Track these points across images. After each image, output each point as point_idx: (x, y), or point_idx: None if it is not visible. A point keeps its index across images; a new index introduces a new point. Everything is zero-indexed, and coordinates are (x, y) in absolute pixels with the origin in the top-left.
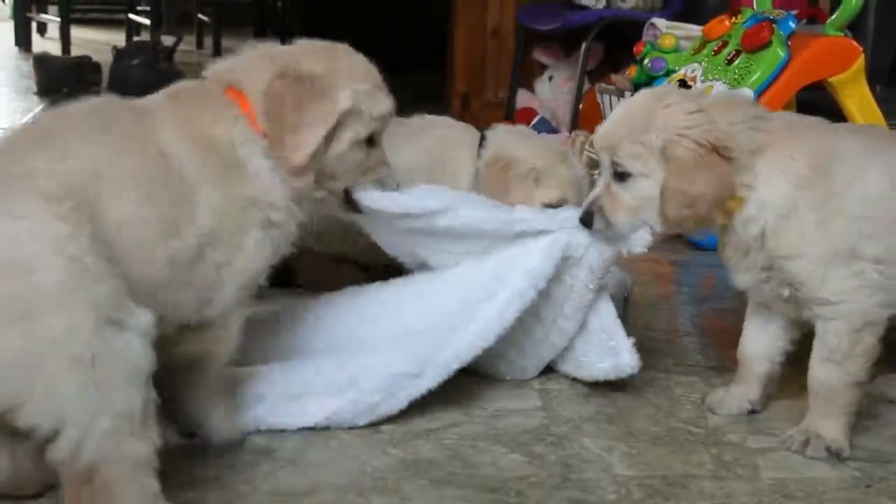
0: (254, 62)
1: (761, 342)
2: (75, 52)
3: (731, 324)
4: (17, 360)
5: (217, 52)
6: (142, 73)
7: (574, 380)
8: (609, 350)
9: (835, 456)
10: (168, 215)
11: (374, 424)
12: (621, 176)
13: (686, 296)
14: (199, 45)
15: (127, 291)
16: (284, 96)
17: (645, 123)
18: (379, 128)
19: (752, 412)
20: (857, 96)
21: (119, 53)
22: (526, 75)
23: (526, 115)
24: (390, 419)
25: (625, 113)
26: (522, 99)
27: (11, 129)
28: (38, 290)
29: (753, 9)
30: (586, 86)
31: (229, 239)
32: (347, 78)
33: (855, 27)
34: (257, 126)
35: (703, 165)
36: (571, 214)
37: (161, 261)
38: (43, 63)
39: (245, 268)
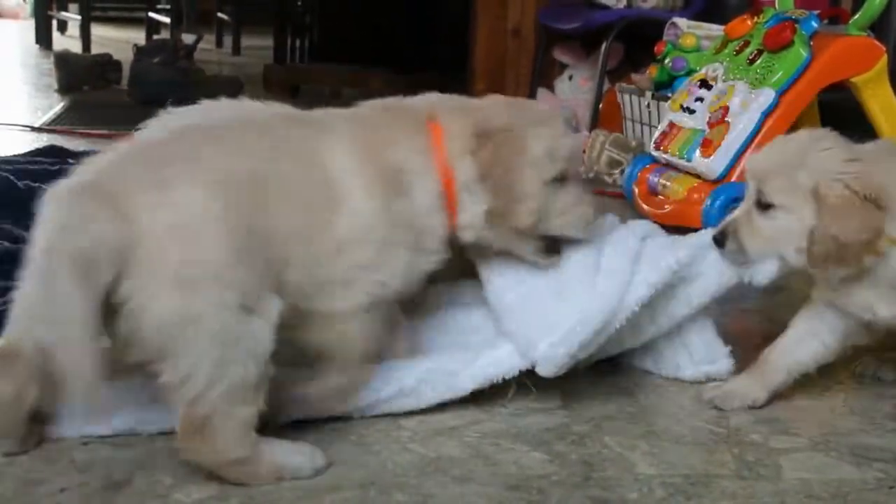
0: (444, 105)
1: (794, 355)
2: (95, 50)
3: (755, 324)
4: (174, 321)
5: (237, 50)
6: (162, 71)
7: (595, 379)
8: (706, 359)
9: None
10: (317, 218)
11: (395, 419)
12: (764, 206)
13: None
14: (219, 43)
15: (266, 279)
16: (494, 163)
17: (799, 160)
18: (566, 168)
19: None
20: (880, 97)
21: (140, 52)
22: (546, 75)
23: None
24: (411, 415)
25: (780, 146)
26: (543, 99)
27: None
28: (200, 262)
29: (776, 8)
30: (606, 85)
31: (378, 250)
32: (530, 125)
33: (877, 27)
34: (442, 165)
35: (856, 212)
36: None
37: (303, 258)
38: (64, 61)
39: (383, 281)
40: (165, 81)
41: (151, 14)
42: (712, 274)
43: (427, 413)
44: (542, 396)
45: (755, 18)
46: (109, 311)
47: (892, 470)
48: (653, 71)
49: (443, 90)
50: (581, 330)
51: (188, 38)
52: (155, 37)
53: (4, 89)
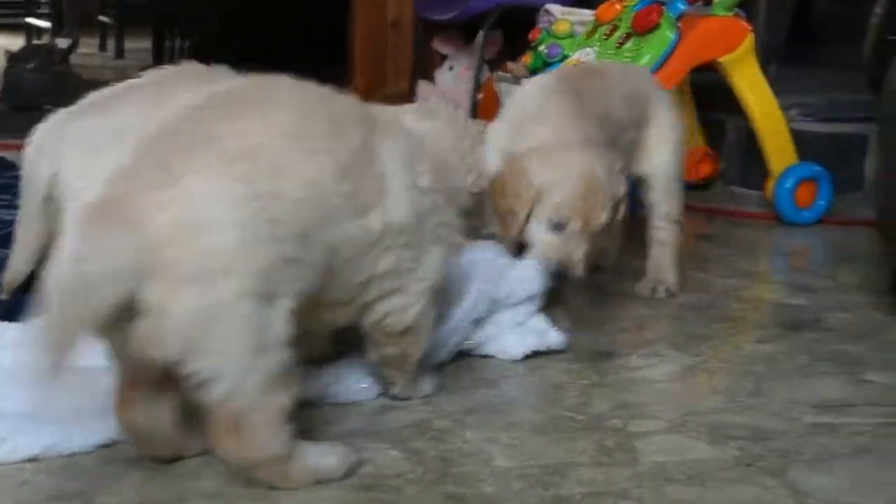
0: None
1: None
2: None
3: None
4: (193, 319)
5: (120, 54)
6: (37, 77)
7: (459, 373)
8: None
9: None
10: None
11: None
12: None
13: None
14: (103, 47)
15: (292, 261)
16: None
17: None
18: None
19: None
20: (748, 77)
21: (13, 58)
22: (428, 66)
23: None
24: None
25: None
26: (424, 90)
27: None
28: (215, 253)
29: None
30: (486, 75)
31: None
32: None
33: (747, 5)
34: None
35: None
36: None
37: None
38: None
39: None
40: (40, 87)
41: (29, 19)
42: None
43: None
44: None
45: (623, 2)
46: (128, 313)
47: (750, 447)
48: (527, 58)
49: (320, 84)
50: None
51: (63, 43)
52: (32, 42)
53: None
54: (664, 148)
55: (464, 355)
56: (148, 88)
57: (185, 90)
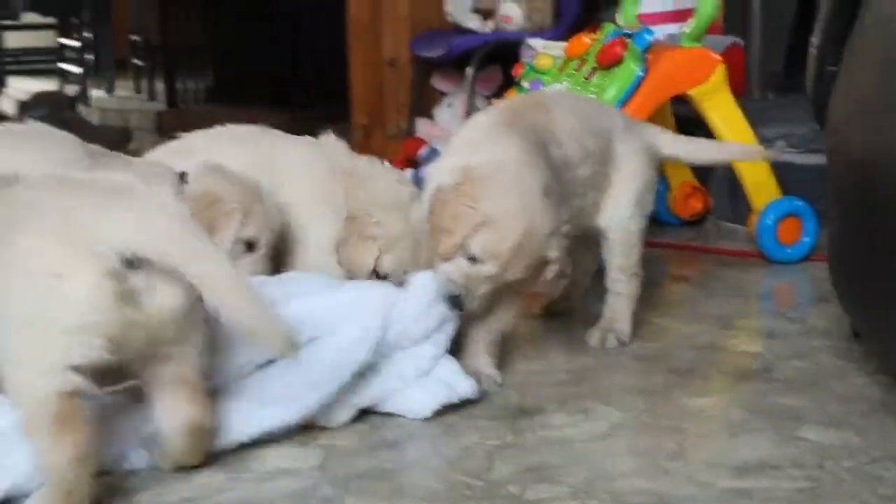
0: None
1: None
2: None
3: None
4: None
5: (152, 96)
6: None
7: (364, 433)
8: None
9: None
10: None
11: (127, 495)
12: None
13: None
14: (138, 89)
15: None
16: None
17: None
18: None
19: None
20: (720, 108)
21: (23, 106)
22: (427, 104)
23: (414, 146)
24: (145, 487)
25: None
26: (423, 128)
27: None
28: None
29: (615, 24)
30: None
31: None
32: None
33: (744, 35)
34: None
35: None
36: None
37: None
38: None
39: None
40: None
41: (62, 65)
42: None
43: (159, 481)
44: (300, 457)
45: (592, 35)
46: None
47: None
48: (512, 94)
49: (325, 125)
50: None
51: (71, 90)
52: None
53: None
54: (624, 200)
55: (369, 413)
56: None
57: None
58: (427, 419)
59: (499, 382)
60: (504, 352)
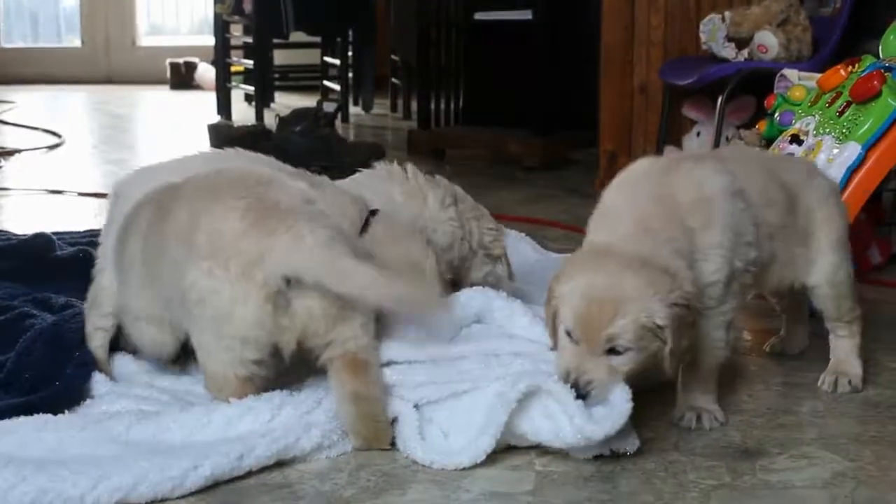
0: None
1: None
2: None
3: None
4: None
5: (407, 115)
6: (302, 139)
7: (579, 463)
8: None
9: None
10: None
11: None
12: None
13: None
14: (394, 108)
15: None
16: None
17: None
18: None
19: None
20: None
21: (282, 121)
22: (675, 132)
23: None
24: (362, 499)
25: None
26: (671, 156)
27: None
28: None
29: (876, 57)
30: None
31: None
32: None
33: None
34: None
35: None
36: None
37: None
38: (216, 131)
39: None
40: (305, 150)
41: (326, 82)
42: None
43: (381, 496)
44: (514, 481)
45: (850, 68)
46: None
47: None
48: (762, 126)
49: (574, 149)
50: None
51: (329, 107)
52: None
53: (163, 157)
54: (826, 254)
55: None
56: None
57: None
58: (643, 453)
59: (721, 421)
60: (730, 390)
